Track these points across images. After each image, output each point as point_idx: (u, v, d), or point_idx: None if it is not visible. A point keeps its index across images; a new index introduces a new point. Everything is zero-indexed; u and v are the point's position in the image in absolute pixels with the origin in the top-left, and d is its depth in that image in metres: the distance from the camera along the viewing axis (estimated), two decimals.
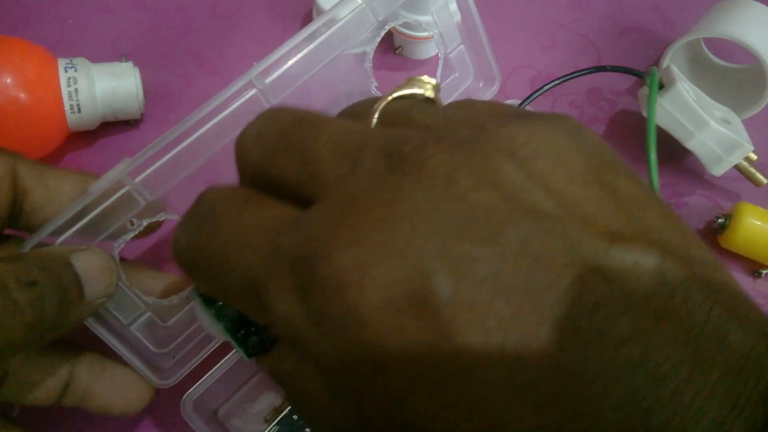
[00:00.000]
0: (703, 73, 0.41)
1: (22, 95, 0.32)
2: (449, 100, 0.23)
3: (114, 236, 0.26)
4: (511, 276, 0.12)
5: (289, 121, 0.18)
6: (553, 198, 0.13)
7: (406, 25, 0.37)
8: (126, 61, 0.36)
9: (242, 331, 0.21)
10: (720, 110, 0.37)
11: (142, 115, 0.37)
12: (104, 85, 0.34)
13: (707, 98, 0.37)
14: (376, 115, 0.18)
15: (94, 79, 0.34)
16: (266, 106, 0.26)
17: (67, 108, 0.33)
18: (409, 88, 0.19)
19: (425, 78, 0.19)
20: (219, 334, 0.23)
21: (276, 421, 0.30)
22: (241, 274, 0.16)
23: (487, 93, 0.33)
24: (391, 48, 0.41)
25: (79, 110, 0.34)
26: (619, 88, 0.42)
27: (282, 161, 0.17)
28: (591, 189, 0.14)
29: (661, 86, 0.35)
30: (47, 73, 0.33)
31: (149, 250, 0.34)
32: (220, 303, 0.21)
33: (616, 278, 0.12)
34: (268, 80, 0.25)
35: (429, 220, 0.13)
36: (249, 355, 0.21)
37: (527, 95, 0.36)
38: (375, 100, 0.19)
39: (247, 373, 0.31)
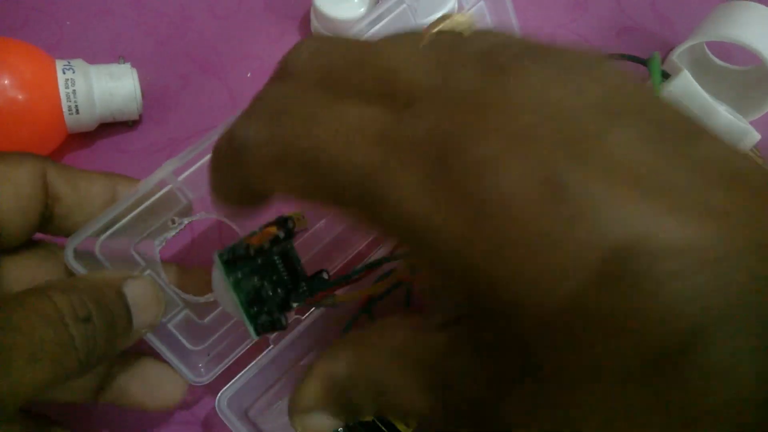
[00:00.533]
0: (705, 75, 0.40)
1: (20, 97, 0.32)
2: None
3: (154, 235, 0.26)
4: (617, 163, 0.14)
5: (348, 44, 0.17)
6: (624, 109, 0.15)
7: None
8: (124, 62, 0.36)
9: (255, 308, 0.21)
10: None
11: (140, 116, 0.37)
12: (102, 87, 0.34)
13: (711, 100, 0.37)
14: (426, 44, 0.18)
15: (92, 80, 0.34)
16: None
17: (65, 109, 0.33)
18: (449, 25, 0.18)
19: (460, 16, 0.19)
20: (231, 309, 0.23)
21: None
22: (350, 169, 0.15)
23: None
24: None
25: (77, 111, 0.33)
26: None
27: (357, 75, 0.16)
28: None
29: (667, 76, 0.35)
30: (45, 75, 0.33)
31: (179, 251, 0.34)
32: (240, 275, 0.21)
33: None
34: None
35: (543, 118, 0.14)
36: (258, 334, 0.21)
37: None
38: (411, 35, 0.18)
39: (280, 372, 0.31)
